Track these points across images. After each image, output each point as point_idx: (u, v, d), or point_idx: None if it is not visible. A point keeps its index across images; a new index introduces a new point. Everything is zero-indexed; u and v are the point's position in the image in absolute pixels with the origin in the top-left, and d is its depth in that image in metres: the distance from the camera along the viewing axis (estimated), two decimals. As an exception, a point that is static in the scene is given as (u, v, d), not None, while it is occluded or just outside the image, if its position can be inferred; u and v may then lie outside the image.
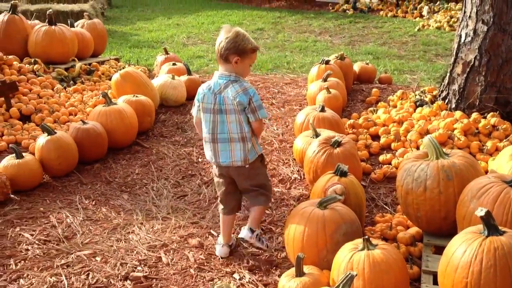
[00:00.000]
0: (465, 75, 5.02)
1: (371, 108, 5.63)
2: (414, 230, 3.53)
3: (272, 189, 3.99)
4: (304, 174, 4.54)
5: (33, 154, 4.67)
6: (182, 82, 6.34)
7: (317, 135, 4.49)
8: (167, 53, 7.31)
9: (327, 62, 6.08)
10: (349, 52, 9.10)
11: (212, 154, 3.37)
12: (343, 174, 3.53)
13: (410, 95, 5.73)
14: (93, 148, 4.86)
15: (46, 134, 4.60)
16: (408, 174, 3.26)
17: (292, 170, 4.65)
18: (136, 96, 5.50)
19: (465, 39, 5.00)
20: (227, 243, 3.57)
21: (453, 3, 12.09)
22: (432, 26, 10.73)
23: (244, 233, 3.51)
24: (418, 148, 4.71)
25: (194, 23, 12.26)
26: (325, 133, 4.54)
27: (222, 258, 3.52)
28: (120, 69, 7.09)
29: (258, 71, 8.05)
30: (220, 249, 3.55)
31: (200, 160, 4.97)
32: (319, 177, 3.97)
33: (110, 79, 6.82)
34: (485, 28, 4.81)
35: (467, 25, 4.98)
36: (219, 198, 3.58)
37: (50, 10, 6.95)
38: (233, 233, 3.70)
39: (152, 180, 4.65)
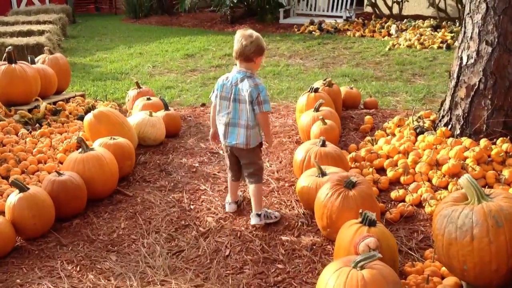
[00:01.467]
0: (469, 99, 4.73)
1: (368, 138, 5.27)
2: (452, 280, 3.15)
3: (264, 169, 4.38)
4: (311, 218, 4.12)
5: (3, 214, 4.09)
6: (161, 118, 5.84)
7: (323, 173, 4.11)
8: (139, 87, 6.80)
9: (316, 90, 5.72)
10: (325, 76, 8.79)
11: (223, 134, 3.99)
12: (371, 223, 3.12)
13: (407, 121, 5.41)
14: (71, 203, 4.31)
15: (17, 190, 4.03)
16: (450, 222, 2.88)
17: (298, 214, 4.22)
18: (114, 139, 4.98)
19: (467, 62, 4.72)
20: (234, 201, 4.31)
21: (420, 20, 12.03)
22: (403, 45, 10.58)
23: (254, 220, 4.07)
24: (429, 180, 4.36)
25: (158, 51, 11.77)
26: (331, 170, 4.17)
27: (231, 213, 4.24)
28: (89, 107, 6.57)
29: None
30: (228, 206, 4.30)
31: (192, 207, 4.48)
32: (334, 223, 3.59)
33: (79, 119, 6.27)
34: (490, 49, 4.54)
35: (468, 47, 4.71)
36: (227, 168, 4.25)
37: (10, 47, 6.35)
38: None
39: (141, 234, 4.13)
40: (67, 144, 5.39)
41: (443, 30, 11.12)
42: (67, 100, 6.99)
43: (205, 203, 4.53)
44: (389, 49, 10.48)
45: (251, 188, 4.09)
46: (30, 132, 5.77)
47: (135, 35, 14.26)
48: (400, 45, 10.64)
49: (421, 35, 10.88)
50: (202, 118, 6.77)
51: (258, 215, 4.05)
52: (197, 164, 5.30)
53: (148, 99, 6.33)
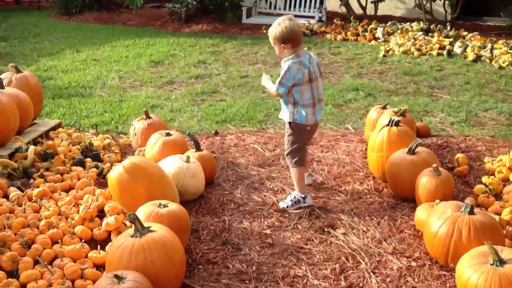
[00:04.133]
0: None
1: (482, 187, 4.20)
2: None
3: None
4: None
5: None
6: (199, 165, 4.44)
7: (500, 260, 2.98)
8: (148, 117, 5.28)
9: (397, 124, 4.57)
10: (333, 90, 7.65)
11: (312, 115, 4.09)
12: None
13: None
14: (139, 321, 2.88)
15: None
16: None
17: (466, 317, 3.05)
18: (164, 206, 3.57)
19: None
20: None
21: (408, 23, 11.17)
22: (398, 51, 9.64)
23: (310, 178, 4.63)
24: None
25: (116, 57, 10.06)
26: (506, 255, 3.05)
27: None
28: (86, 145, 5.01)
29: (248, 126, 6.30)
30: (309, 178, 4.58)
31: (304, 309, 3.18)
32: None
33: (78, 164, 4.71)
34: None
35: None
36: (298, 157, 4.19)
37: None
38: None
39: None
40: (86, 211, 3.85)
41: (436, 34, 10.33)
42: (46, 135, 5.36)
43: (318, 300, 3.25)
44: (384, 55, 9.52)
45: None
46: (23, 191, 4.14)
47: (77, 35, 12.33)
48: (394, 51, 9.70)
49: (415, 39, 10.01)
50: (229, 154, 5.39)
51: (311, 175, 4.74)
52: (268, 231, 3.97)
53: (168, 134, 4.87)
